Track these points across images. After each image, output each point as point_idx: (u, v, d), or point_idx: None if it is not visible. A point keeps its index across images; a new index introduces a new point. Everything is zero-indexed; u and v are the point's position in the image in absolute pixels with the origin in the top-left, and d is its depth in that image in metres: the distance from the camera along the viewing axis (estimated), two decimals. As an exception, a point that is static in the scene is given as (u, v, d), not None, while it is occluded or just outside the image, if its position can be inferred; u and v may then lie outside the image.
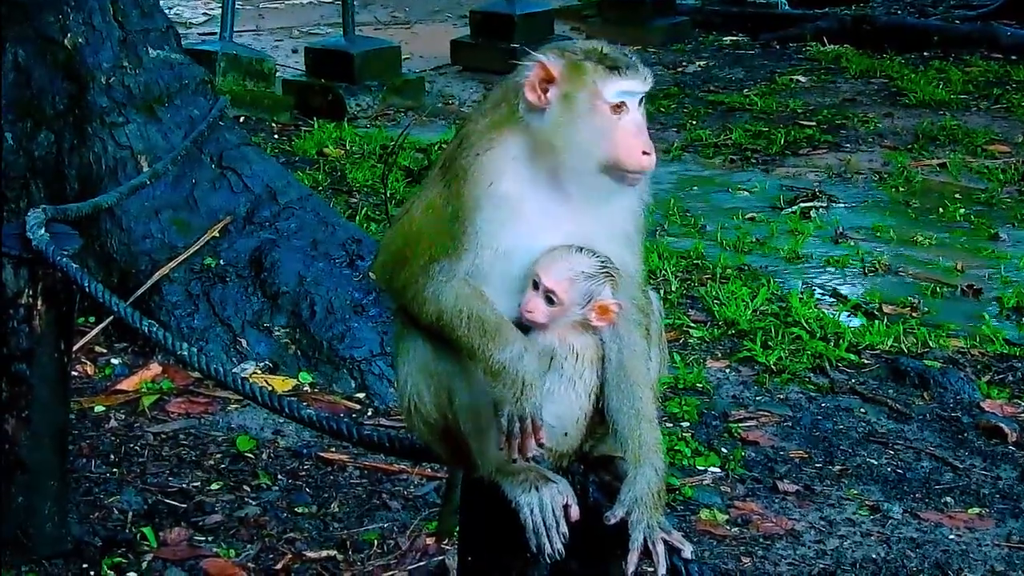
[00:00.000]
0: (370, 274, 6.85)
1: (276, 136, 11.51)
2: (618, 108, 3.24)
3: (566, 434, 3.32)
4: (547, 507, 3.25)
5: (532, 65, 3.28)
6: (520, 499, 3.27)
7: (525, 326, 3.30)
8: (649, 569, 3.24)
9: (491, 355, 3.24)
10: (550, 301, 3.26)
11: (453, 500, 3.76)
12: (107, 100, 7.11)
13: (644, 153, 3.25)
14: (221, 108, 7.36)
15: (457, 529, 3.71)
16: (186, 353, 4.23)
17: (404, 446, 3.87)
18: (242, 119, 11.65)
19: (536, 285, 3.27)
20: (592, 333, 3.32)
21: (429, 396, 3.41)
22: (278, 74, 12.71)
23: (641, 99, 3.29)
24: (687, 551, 3.21)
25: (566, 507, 3.27)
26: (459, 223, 3.27)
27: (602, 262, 3.31)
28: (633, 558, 3.20)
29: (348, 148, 11.09)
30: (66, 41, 7.13)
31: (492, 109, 3.36)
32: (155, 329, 4.37)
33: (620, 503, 3.24)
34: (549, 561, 3.23)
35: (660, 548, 3.20)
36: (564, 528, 3.24)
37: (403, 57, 13.38)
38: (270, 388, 4.63)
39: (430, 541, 5.22)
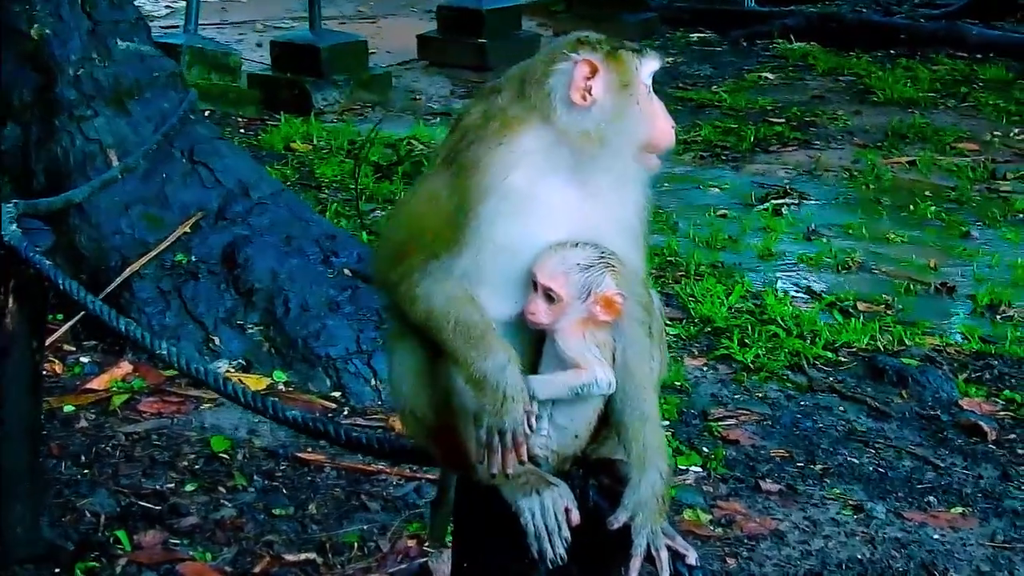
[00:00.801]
0: (345, 271, 6.75)
1: (243, 131, 11.37)
2: (647, 89, 3.20)
3: (576, 436, 3.21)
4: (549, 511, 3.15)
5: (566, 67, 3.18)
6: (521, 503, 3.16)
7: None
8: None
9: (473, 364, 3.12)
10: (550, 299, 3.16)
11: (446, 504, 3.65)
12: (75, 93, 6.97)
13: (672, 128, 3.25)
14: (192, 101, 7.22)
15: (451, 534, 3.59)
16: (166, 352, 4.10)
17: (390, 447, 3.75)
18: (207, 113, 11.51)
19: (535, 285, 3.16)
20: (606, 330, 3.21)
21: (424, 398, 3.30)
22: (243, 68, 12.56)
23: None
24: (692, 557, 3.11)
25: (567, 511, 3.17)
26: (464, 215, 3.16)
27: (600, 253, 3.20)
28: (636, 564, 3.10)
29: (316, 143, 10.96)
30: (33, 32, 6.98)
31: (508, 105, 3.24)
32: (132, 328, 4.23)
33: (623, 507, 3.14)
34: (551, 567, 3.12)
35: (664, 554, 3.09)
36: (566, 532, 3.13)
37: (370, 52, 13.24)
38: (244, 387, 4.49)
39: (411, 543, 5.12)
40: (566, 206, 3.20)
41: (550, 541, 3.13)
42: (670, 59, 14.51)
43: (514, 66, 3.38)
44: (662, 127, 3.24)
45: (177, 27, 13.21)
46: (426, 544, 5.06)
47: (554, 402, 3.18)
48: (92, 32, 7.07)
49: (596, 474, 3.27)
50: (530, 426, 3.10)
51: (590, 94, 3.16)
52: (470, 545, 3.41)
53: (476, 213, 3.14)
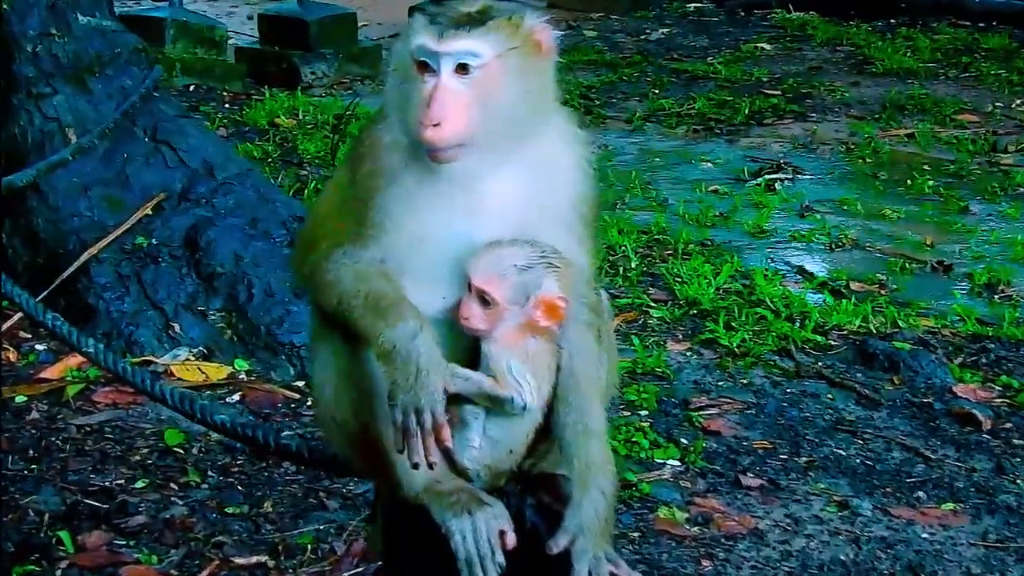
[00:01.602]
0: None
1: (227, 105, 11.07)
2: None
3: (511, 451, 2.91)
4: (481, 533, 2.86)
5: None
6: (451, 524, 2.87)
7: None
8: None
9: (381, 333, 2.83)
10: (484, 303, 2.84)
11: (379, 517, 3.35)
12: (33, 69, 6.65)
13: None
14: (156, 78, 6.91)
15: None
16: (92, 350, 3.80)
17: (321, 457, 3.45)
18: (192, 88, 11.22)
19: (469, 287, 2.85)
20: (548, 338, 2.89)
21: (347, 404, 3.01)
22: (231, 41, 12.28)
23: None
24: (637, 586, 2.82)
25: (502, 533, 2.87)
26: (363, 204, 2.90)
27: (541, 252, 2.90)
28: (576, 593, 2.80)
29: (301, 118, 10.67)
30: (-11, 7, 6.65)
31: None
32: (59, 323, 3.93)
33: (563, 530, 2.86)
34: (483, 594, 2.83)
35: (607, 583, 2.80)
36: (500, 557, 2.85)
37: (360, 24, 12.93)
38: (172, 388, 4.12)
39: (367, 544, 4.81)
40: (482, 191, 2.90)
41: (483, 566, 2.84)
42: (665, 30, 14.22)
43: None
44: None
45: (163, 0, 12.88)
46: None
47: (486, 412, 2.88)
48: (51, 7, 6.74)
49: (534, 491, 2.98)
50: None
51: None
52: (398, 564, 3.11)
53: (374, 201, 2.87)
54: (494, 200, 2.91)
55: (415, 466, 2.80)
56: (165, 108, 6.92)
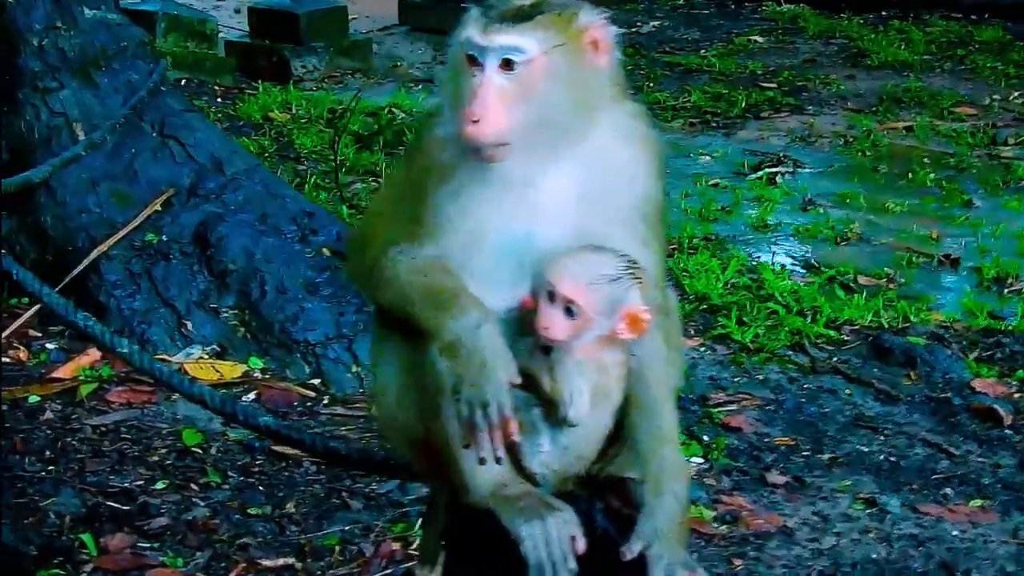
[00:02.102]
0: (324, 250, 6.37)
1: (219, 100, 10.95)
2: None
3: (580, 457, 2.84)
4: (553, 539, 2.80)
5: None
6: (521, 530, 2.80)
7: (537, 342, 2.81)
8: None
9: (444, 326, 2.75)
10: (569, 313, 2.75)
11: (436, 523, 3.27)
12: (39, 63, 6.55)
13: None
14: (162, 72, 6.81)
15: (443, 558, 3.22)
16: (126, 351, 3.71)
17: (372, 460, 3.38)
18: (183, 81, 11.11)
19: (551, 296, 2.76)
20: (621, 346, 2.82)
21: (411, 405, 2.93)
22: (220, 35, 12.16)
23: None
24: (715, 593, 2.75)
25: (572, 539, 2.80)
26: (420, 202, 2.83)
27: (626, 261, 2.81)
28: (653, 600, 2.74)
29: (294, 112, 10.57)
30: (-7, 0, 6.55)
31: None
32: (91, 324, 3.85)
33: (637, 536, 2.79)
34: (555, 602, 2.76)
35: (685, 590, 2.74)
36: (572, 564, 2.78)
37: (350, 18, 12.82)
38: (211, 391, 4.02)
39: (396, 546, 4.74)
40: (543, 189, 2.83)
41: (555, 573, 2.77)
42: (656, 23, 14.15)
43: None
44: None
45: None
46: (412, 548, 4.69)
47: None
48: (57, 0, 6.63)
49: (603, 495, 2.91)
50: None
51: None
52: (462, 569, 3.04)
53: (432, 199, 2.80)
54: (551, 199, 2.84)
55: (482, 461, 2.71)
56: (172, 102, 6.84)
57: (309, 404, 5.76)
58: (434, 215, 2.82)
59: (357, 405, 5.75)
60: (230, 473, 5.24)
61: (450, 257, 2.83)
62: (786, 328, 6.79)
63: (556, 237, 2.85)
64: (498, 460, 2.74)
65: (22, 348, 6.09)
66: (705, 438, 5.69)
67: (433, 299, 2.78)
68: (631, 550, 2.77)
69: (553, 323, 2.76)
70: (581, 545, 2.80)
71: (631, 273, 2.80)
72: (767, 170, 9.57)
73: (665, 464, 2.83)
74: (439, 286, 2.79)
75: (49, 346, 6.13)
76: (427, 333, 2.80)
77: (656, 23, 14.05)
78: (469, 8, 2.97)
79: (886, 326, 6.91)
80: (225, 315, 6.13)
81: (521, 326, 2.85)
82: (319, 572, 4.64)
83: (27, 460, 5.26)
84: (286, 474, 5.25)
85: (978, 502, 5.30)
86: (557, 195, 2.87)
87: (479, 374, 2.71)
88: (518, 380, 2.75)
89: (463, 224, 2.82)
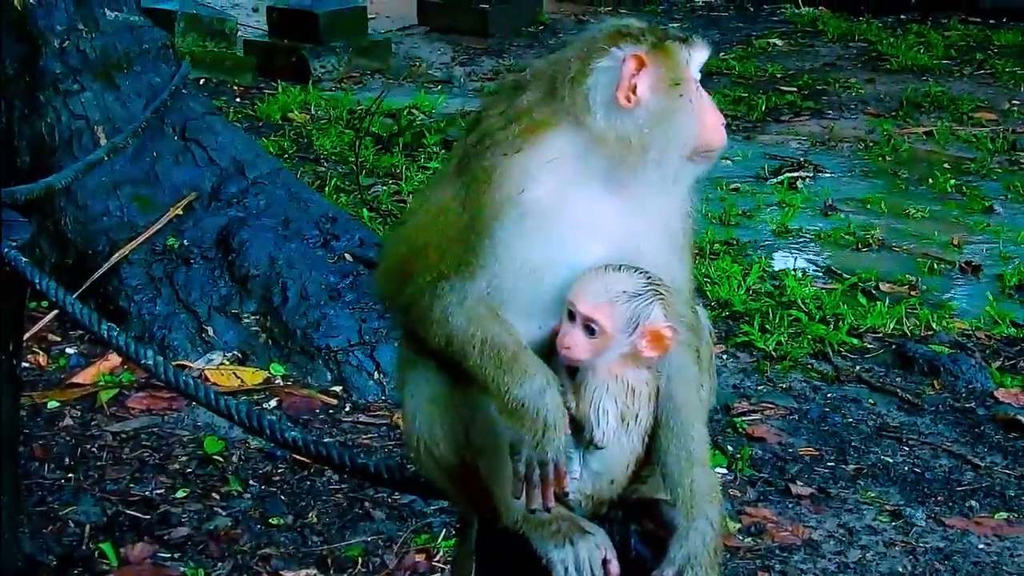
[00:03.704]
0: (346, 255, 6.30)
1: (239, 100, 10.90)
2: (696, 85, 2.75)
3: (612, 481, 2.77)
4: (584, 564, 2.73)
5: (609, 64, 2.73)
6: (553, 555, 2.74)
7: (561, 362, 2.75)
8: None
9: (507, 390, 2.70)
10: (590, 332, 2.70)
11: (468, 542, 3.20)
12: (61, 65, 6.49)
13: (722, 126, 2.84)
14: (184, 75, 6.75)
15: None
16: (151, 362, 3.65)
17: (401, 477, 3.32)
18: (202, 81, 11.05)
19: (572, 315, 2.70)
20: (647, 366, 2.76)
21: (442, 433, 2.87)
22: (239, 34, 12.10)
23: None
24: (751, 621, 2.68)
25: (605, 562, 2.74)
26: (476, 233, 2.72)
27: (647, 278, 2.75)
28: (687, 627, 2.67)
29: (314, 113, 10.51)
30: (16, 1, 6.48)
31: (534, 106, 2.79)
32: (115, 334, 3.79)
33: (670, 561, 2.72)
34: (588, 627, 2.70)
35: (719, 617, 2.67)
36: (604, 587, 2.71)
37: (369, 17, 12.77)
38: (236, 403, 3.90)
39: (419, 558, 4.68)
40: (599, 220, 2.76)
41: (586, 598, 2.70)
42: (675, 25, 13.94)
43: (540, 60, 2.94)
44: (713, 126, 2.82)
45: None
46: (435, 560, 4.63)
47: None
48: (79, 2, 6.58)
49: (638, 517, 2.84)
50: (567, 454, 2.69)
51: (635, 94, 2.71)
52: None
53: (491, 231, 2.70)
54: (609, 225, 2.77)
55: (532, 512, 2.67)
56: (194, 105, 6.77)
57: (331, 411, 5.70)
58: (491, 247, 2.72)
59: (379, 413, 5.68)
60: (251, 481, 5.18)
61: (498, 289, 2.74)
62: (809, 336, 6.72)
63: (601, 261, 2.78)
64: (548, 510, 2.69)
65: (41, 352, 6.04)
66: (729, 448, 5.62)
67: (493, 357, 2.70)
68: (664, 575, 2.70)
69: (575, 342, 2.71)
70: (615, 568, 2.74)
71: (653, 290, 2.73)
72: (788, 174, 9.50)
73: (697, 488, 2.76)
74: (498, 342, 2.71)
75: (69, 351, 6.08)
76: (483, 386, 2.73)
77: (675, 25, 13.82)
78: (487, 9, 2.88)
79: (909, 334, 6.84)
80: (247, 321, 6.07)
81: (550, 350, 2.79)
82: (342, 584, 4.59)
83: (46, 467, 5.21)
84: (308, 483, 5.20)
85: (1003, 515, 5.22)
86: (611, 221, 2.79)
87: (541, 437, 2.67)
88: (569, 431, 2.71)
89: (520, 257, 2.73)
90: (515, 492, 2.70)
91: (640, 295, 2.72)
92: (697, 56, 2.81)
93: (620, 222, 2.78)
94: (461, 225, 2.74)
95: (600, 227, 2.76)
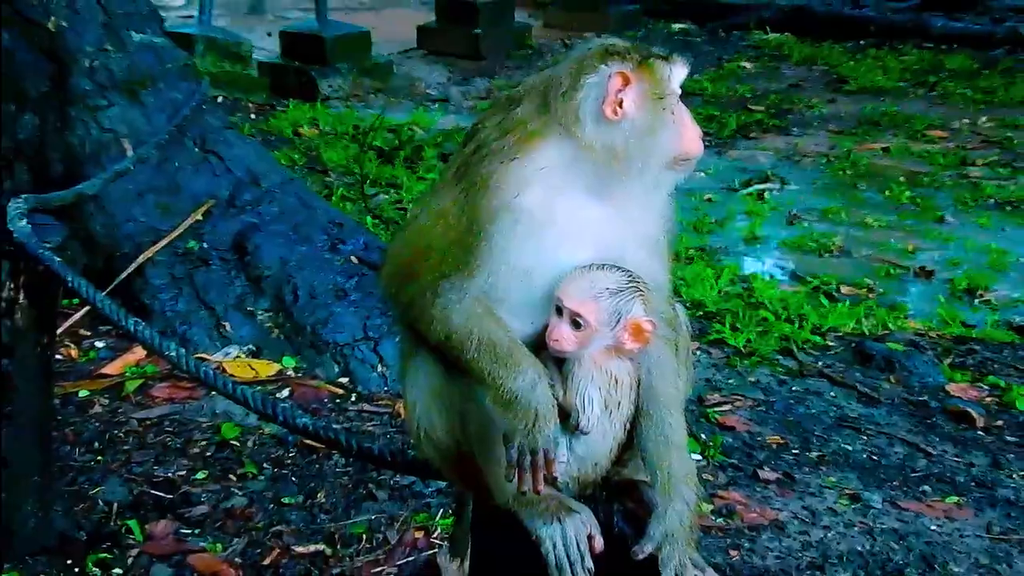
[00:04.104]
0: (352, 258, 6.31)
1: (253, 116, 10.92)
2: (677, 99, 2.76)
3: (596, 464, 2.79)
4: (571, 540, 2.74)
5: (597, 80, 2.74)
6: (541, 531, 2.75)
7: (550, 354, 2.76)
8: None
9: (501, 383, 2.71)
10: (576, 326, 2.72)
11: (465, 519, 3.22)
12: (90, 83, 6.50)
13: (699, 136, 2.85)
14: (203, 93, 6.76)
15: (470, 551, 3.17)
16: (174, 354, 3.66)
17: (403, 460, 3.33)
18: (220, 99, 11.06)
19: (559, 311, 2.72)
20: (628, 357, 2.78)
21: (440, 421, 2.88)
22: (254, 56, 12.11)
23: None
24: (724, 592, 2.70)
25: (590, 538, 2.75)
26: (474, 236, 2.73)
27: (628, 276, 2.77)
28: (664, 598, 2.68)
29: (322, 128, 10.52)
30: (49, 24, 6.50)
31: (527, 117, 2.80)
32: (141, 328, 3.79)
33: (649, 537, 2.73)
34: (574, 598, 2.71)
35: (694, 588, 2.68)
36: (589, 562, 2.73)
37: (372, 41, 12.79)
38: (253, 392, 3.90)
39: (419, 535, 4.69)
40: (586, 224, 2.77)
41: (572, 572, 2.72)
42: (653, 49, 14.06)
43: (533, 76, 2.94)
44: (691, 137, 2.83)
45: (192, 17, 12.74)
46: (433, 537, 4.64)
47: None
48: (106, 24, 6.60)
49: (620, 498, 2.85)
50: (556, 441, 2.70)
51: (620, 107, 2.73)
52: (487, 569, 2.99)
53: (488, 234, 2.71)
54: (596, 228, 2.78)
55: (523, 494, 2.69)
56: (212, 120, 6.78)
57: (338, 401, 5.71)
58: (489, 249, 2.73)
59: (382, 402, 5.69)
60: (265, 465, 5.19)
61: (495, 288, 2.75)
62: (775, 334, 6.75)
63: (587, 261, 2.79)
64: (537, 493, 2.70)
65: (73, 346, 6.04)
66: (703, 436, 5.64)
67: (488, 352, 2.71)
68: (643, 550, 2.71)
69: (562, 335, 2.72)
70: (599, 544, 2.75)
71: (634, 287, 2.75)
72: (756, 186, 9.53)
73: (674, 470, 2.77)
74: (493, 338, 2.72)
75: (98, 344, 6.09)
76: (478, 378, 2.74)
77: (653, 49, 13.97)
78: (480, 34, 2.90)
79: (867, 333, 6.87)
80: (260, 317, 6.08)
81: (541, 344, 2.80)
82: (348, 558, 4.59)
83: (77, 451, 5.21)
84: (316, 466, 5.20)
85: (954, 499, 5.24)
86: (601, 224, 2.80)
87: (532, 427, 2.68)
88: (558, 422, 2.72)
89: (518, 258, 2.74)
90: (507, 476, 2.71)
91: (622, 292, 2.74)
92: (678, 73, 2.82)
93: (605, 226, 2.79)
94: (460, 229, 2.75)
95: (587, 231, 2.77)
